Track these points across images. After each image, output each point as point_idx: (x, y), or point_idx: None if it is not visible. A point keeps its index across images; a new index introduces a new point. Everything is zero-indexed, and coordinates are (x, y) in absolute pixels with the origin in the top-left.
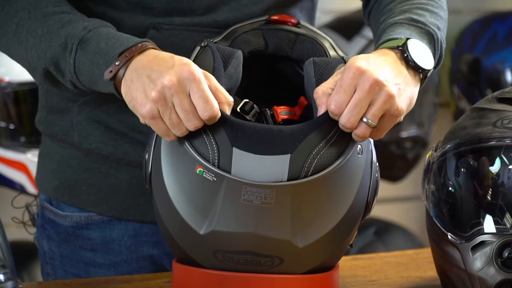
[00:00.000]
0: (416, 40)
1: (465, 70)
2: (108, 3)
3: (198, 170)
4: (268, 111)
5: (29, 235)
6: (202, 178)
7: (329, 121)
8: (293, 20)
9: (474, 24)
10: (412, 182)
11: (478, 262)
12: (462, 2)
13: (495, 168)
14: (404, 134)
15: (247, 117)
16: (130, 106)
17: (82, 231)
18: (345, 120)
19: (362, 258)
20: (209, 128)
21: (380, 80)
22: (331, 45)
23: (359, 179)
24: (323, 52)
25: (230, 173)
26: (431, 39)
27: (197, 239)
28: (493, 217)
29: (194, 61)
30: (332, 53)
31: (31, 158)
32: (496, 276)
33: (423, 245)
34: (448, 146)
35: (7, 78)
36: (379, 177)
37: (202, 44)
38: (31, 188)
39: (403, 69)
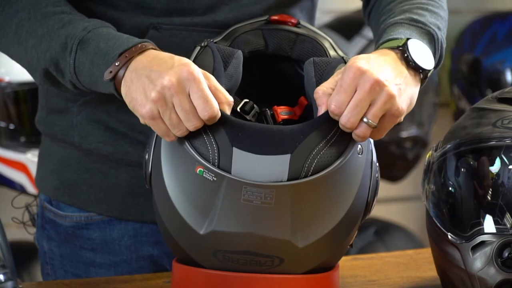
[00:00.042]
0: (416, 40)
1: (465, 70)
2: (108, 3)
3: (198, 170)
4: (268, 111)
5: (29, 235)
6: (202, 178)
7: (329, 121)
8: (293, 20)
9: (474, 24)
10: (412, 182)
11: (478, 262)
12: (462, 2)
13: (495, 168)
14: (404, 134)
15: (247, 117)
16: (130, 106)
17: (82, 231)
18: (345, 120)
19: (362, 258)
20: (209, 128)
21: (380, 80)
22: (331, 45)
23: (359, 179)
24: (323, 52)
25: (230, 173)
26: (431, 39)
27: (197, 239)
28: (493, 217)
29: (194, 61)
30: (332, 53)
31: (31, 158)
32: (496, 276)
33: (423, 245)
34: (448, 146)
35: (7, 78)
36: (379, 177)
37: (202, 44)
38: (31, 188)
39: (403, 69)
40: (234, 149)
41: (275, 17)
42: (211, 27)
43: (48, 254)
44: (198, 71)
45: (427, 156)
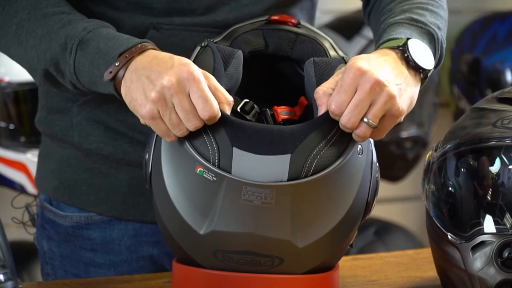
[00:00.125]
0: (416, 40)
1: (465, 70)
2: (108, 3)
3: (198, 170)
4: (268, 111)
5: (29, 235)
6: (202, 178)
7: (330, 121)
8: (293, 20)
9: (474, 24)
10: (412, 182)
11: (478, 262)
12: (462, 2)
13: (495, 168)
14: (404, 134)
15: (247, 117)
16: (130, 106)
17: (82, 231)
18: (345, 120)
19: (362, 258)
20: (209, 128)
21: (381, 80)
22: (331, 45)
23: (359, 179)
24: (323, 52)
25: (230, 173)
26: (431, 39)
27: (197, 239)
28: (493, 217)
29: (194, 61)
30: (332, 53)
31: (31, 158)
32: (496, 276)
33: (423, 245)
34: (448, 146)
35: (7, 78)
36: (379, 177)
37: (202, 44)
38: (31, 188)
39: (403, 69)
40: (234, 149)
41: (275, 17)
42: (211, 27)
43: (48, 254)
44: (198, 71)
45: (427, 156)
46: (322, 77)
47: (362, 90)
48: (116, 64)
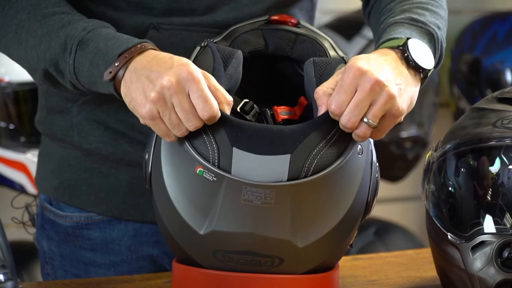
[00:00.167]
0: (416, 40)
1: (465, 70)
2: (108, 3)
3: (198, 170)
4: (268, 111)
5: (29, 235)
6: (202, 178)
7: (329, 121)
8: (293, 20)
9: (474, 24)
10: (412, 182)
11: (478, 262)
12: (462, 2)
13: (495, 168)
14: (404, 134)
15: (247, 117)
16: (130, 107)
17: (82, 231)
18: (345, 120)
19: (362, 258)
20: (209, 128)
21: (381, 80)
22: (331, 45)
23: (359, 179)
24: (323, 52)
25: (230, 173)
26: (431, 39)
27: (197, 239)
28: (493, 217)
29: (194, 61)
30: (332, 53)
31: (31, 158)
32: (496, 276)
33: (423, 245)
34: (448, 146)
35: (7, 78)
36: (379, 177)
37: (202, 44)
38: (31, 188)
39: (403, 69)
40: (234, 149)
41: (275, 17)
42: (211, 27)
43: (48, 254)
44: (197, 71)
45: (427, 156)
46: (322, 77)
47: (362, 90)
48: (116, 64)
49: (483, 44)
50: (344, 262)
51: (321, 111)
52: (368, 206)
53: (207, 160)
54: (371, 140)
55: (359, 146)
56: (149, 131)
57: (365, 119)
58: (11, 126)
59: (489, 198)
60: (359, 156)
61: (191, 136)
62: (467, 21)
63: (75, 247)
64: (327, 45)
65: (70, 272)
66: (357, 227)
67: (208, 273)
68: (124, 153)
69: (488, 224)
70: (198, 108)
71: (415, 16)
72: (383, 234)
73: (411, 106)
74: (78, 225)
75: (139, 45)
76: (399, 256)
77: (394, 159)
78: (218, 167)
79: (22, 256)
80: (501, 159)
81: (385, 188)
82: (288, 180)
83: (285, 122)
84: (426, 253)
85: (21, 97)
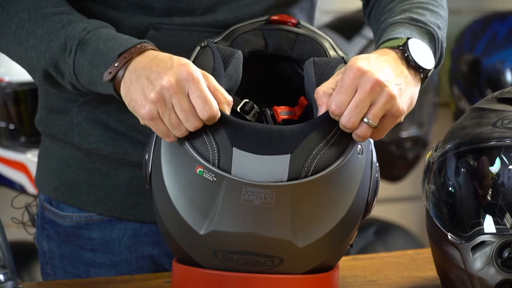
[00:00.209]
0: (416, 40)
1: (465, 70)
2: (108, 3)
3: (198, 170)
4: (268, 111)
5: (29, 235)
6: (202, 178)
7: (329, 121)
8: (293, 20)
9: (474, 24)
10: (412, 182)
11: (478, 262)
12: (462, 2)
13: (495, 168)
14: (404, 134)
15: (247, 117)
16: (129, 107)
17: (82, 231)
18: (345, 121)
19: (362, 258)
20: (209, 128)
21: (381, 80)
22: (331, 45)
23: (359, 179)
24: (323, 52)
25: (230, 173)
26: (431, 39)
27: (197, 239)
28: (493, 217)
29: (194, 61)
30: (332, 53)
31: (31, 158)
32: (496, 276)
33: (423, 245)
34: (448, 146)
35: (7, 78)
36: (379, 177)
37: (202, 44)
38: (31, 188)
39: (403, 69)
40: (234, 149)
41: (275, 17)
42: (211, 27)
43: (48, 254)
44: (197, 71)
45: (427, 156)
46: (322, 77)
47: (362, 90)
48: (116, 65)
49: (483, 44)
50: (344, 262)
51: (321, 111)
52: (368, 206)
53: (207, 160)
54: (371, 140)
55: (359, 146)
56: (149, 131)
57: (365, 119)
58: (11, 126)
59: (489, 198)
60: (359, 156)
61: (191, 136)
62: (467, 21)
63: (75, 247)
64: (327, 45)
65: (70, 272)
66: (357, 227)
67: (208, 273)
68: (124, 153)
69: (488, 224)
70: (197, 108)
71: (415, 16)
72: (383, 234)
73: (411, 106)
74: (78, 225)
75: (138, 46)
76: (399, 256)
77: (394, 159)
78: (218, 167)
79: (22, 256)
80: (501, 159)
81: (385, 188)
82: (288, 180)
83: (285, 122)
84: (426, 253)
85: (21, 97)
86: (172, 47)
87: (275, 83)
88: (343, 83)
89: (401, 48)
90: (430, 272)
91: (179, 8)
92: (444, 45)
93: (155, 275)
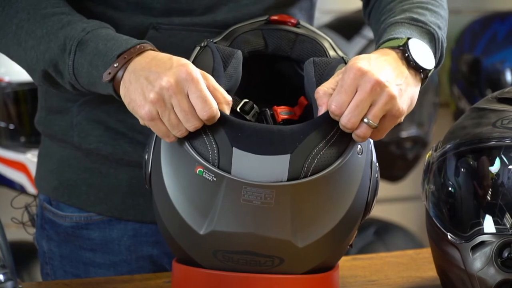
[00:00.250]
0: (417, 40)
1: (465, 70)
2: (108, 3)
3: (198, 170)
4: (268, 111)
5: (28, 235)
6: (202, 178)
7: (329, 121)
8: (292, 20)
9: (474, 24)
10: (412, 182)
11: (478, 262)
12: (462, 2)
13: (495, 168)
14: (404, 134)
15: (247, 117)
16: (129, 108)
17: (81, 231)
18: (345, 121)
19: (362, 258)
20: (209, 128)
21: (381, 81)
22: (330, 45)
23: (359, 179)
24: (323, 52)
25: (230, 173)
26: (432, 39)
27: (197, 239)
28: (493, 217)
29: (193, 61)
30: (332, 53)
31: (31, 158)
32: (496, 276)
33: (423, 245)
34: (448, 146)
35: (7, 78)
36: (379, 177)
37: (202, 44)
38: (31, 188)
39: (404, 69)
40: (234, 149)
41: (275, 17)
42: (210, 27)
43: (48, 254)
44: (196, 72)
45: (427, 156)
46: (322, 77)
47: (363, 91)
48: (115, 65)
49: (483, 44)
50: (344, 262)
51: (321, 111)
52: (368, 206)
53: (207, 160)
54: (371, 140)
55: (359, 146)
56: (149, 131)
57: (365, 120)
58: (11, 126)
59: (489, 198)
60: (359, 156)
61: (190, 137)
62: (467, 21)
63: (75, 247)
64: (326, 45)
65: (70, 272)
66: (357, 227)
67: (208, 273)
68: (124, 153)
69: (488, 224)
70: (197, 109)
71: (415, 16)
72: (383, 234)
73: (411, 106)
74: (77, 225)
75: (138, 46)
76: (399, 256)
77: (394, 159)
78: (218, 167)
79: (22, 256)
80: (501, 159)
81: (385, 188)
82: (288, 180)
83: (285, 122)
84: (426, 253)
85: (21, 97)
86: (171, 47)
87: (275, 83)
88: (343, 83)
89: (401, 48)
90: (430, 272)
91: (179, 8)
92: (445, 45)
93: (155, 275)
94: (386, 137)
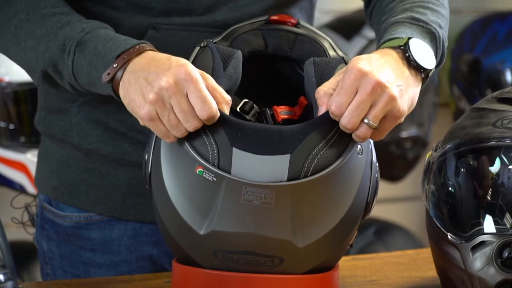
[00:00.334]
0: (417, 40)
1: (465, 70)
2: (107, 4)
3: (198, 170)
4: (268, 111)
5: (28, 235)
6: (202, 178)
7: (329, 121)
8: (292, 20)
9: (474, 24)
10: (412, 182)
11: (478, 262)
12: (462, 2)
13: (495, 168)
14: (404, 134)
15: (247, 117)
16: (128, 108)
17: (81, 231)
18: (346, 121)
19: (362, 258)
20: (209, 128)
21: (382, 82)
22: (330, 45)
23: (359, 179)
24: (323, 52)
25: (230, 173)
26: (432, 38)
27: (197, 239)
28: (493, 217)
29: (193, 61)
30: (331, 53)
31: (31, 158)
32: (496, 276)
33: (423, 245)
34: (448, 146)
35: (7, 78)
36: (379, 177)
37: (202, 44)
38: (30, 188)
39: (404, 69)
40: (234, 149)
41: (275, 17)
42: (210, 27)
43: (48, 254)
44: (195, 72)
45: (427, 156)
46: (322, 77)
47: (363, 92)
48: (114, 66)
49: (483, 44)
50: (344, 262)
51: (321, 111)
52: (368, 206)
53: (207, 160)
54: (371, 140)
55: (359, 146)
56: (149, 131)
57: (365, 120)
58: (11, 126)
59: (489, 198)
60: (359, 156)
61: (190, 137)
62: (467, 21)
63: (75, 247)
64: (326, 45)
65: (70, 272)
66: (357, 227)
67: (208, 273)
68: (124, 153)
69: (488, 224)
70: (196, 109)
71: (416, 15)
72: (383, 234)
73: (412, 106)
74: (77, 225)
75: (137, 46)
76: (399, 256)
77: (394, 159)
78: (218, 167)
79: (22, 256)
80: (501, 159)
81: (385, 188)
82: (288, 180)
83: (285, 122)
84: (426, 253)
85: (21, 97)
86: (171, 47)
87: (275, 83)
88: (344, 84)
89: (402, 48)
90: (430, 272)
91: (178, 8)
92: (446, 44)
93: (155, 275)
94: (386, 137)
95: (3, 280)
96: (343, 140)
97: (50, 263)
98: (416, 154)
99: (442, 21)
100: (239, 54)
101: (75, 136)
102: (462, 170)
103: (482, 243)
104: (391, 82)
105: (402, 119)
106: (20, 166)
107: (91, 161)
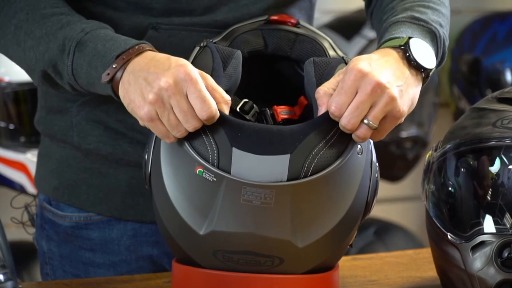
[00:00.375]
0: (418, 39)
1: (465, 70)
2: (107, 4)
3: (197, 171)
4: (268, 110)
5: (28, 235)
6: (202, 178)
7: (329, 121)
8: (292, 20)
9: (474, 24)
10: (412, 182)
11: (478, 262)
12: (462, 2)
13: (495, 168)
14: (404, 134)
15: (247, 117)
16: (128, 108)
17: (81, 231)
18: (345, 122)
19: (362, 258)
20: (209, 128)
21: (382, 82)
22: (330, 45)
23: (359, 179)
24: (323, 52)
25: (229, 173)
26: (433, 37)
27: (197, 239)
28: (493, 217)
29: (193, 61)
30: (331, 53)
31: (30, 158)
32: (496, 276)
33: (423, 245)
34: (448, 146)
35: (7, 78)
36: (379, 177)
37: (202, 44)
38: (30, 188)
39: (405, 69)
40: (234, 149)
41: (275, 17)
42: (210, 27)
43: (48, 254)
44: (194, 72)
45: (427, 156)
46: (322, 77)
47: (363, 92)
48: (114, 66)
49: (483, 44)
50: (344, 262)
51: (321, 111)
52: (368, 206)
53: (207, 161)
54: (371, 140)
55: (359, 146)
56: (149, 131)
57: (365, 121)
58: (11, 126)
59: (489, 198)
60: (359, 156)
61: (190, 137)
62: (467, 21)
63: (75, 247)
64: (326, 45)
65: (70, 272)
66: (357, 227)
67: (208, 273)
68: (124, 153)
69: (488, 224)
70: (196, 109)
71: (416, 15)
72: (383, 234)
73: (412, 107)
74: (77, 225)
75: (136, 47)
76: (399, 256)
77: (394, 159)
78: (218, 167)
79: (22, 256)
80: (501, 159)
81: (385, 188)
82: (288, 180)
83: (285, 122)
84: (426, 253)
85: (21, 97)
86: (171, 47)
87: (275, 83)
88: (344, 85)
89: (402, 47)
90: (430, 272)
91: (178, 8)
92: (447, 43)
93: (155, 275)
94: (386, 137)
95: (3, 280)
96: (343, 140)
97: (50, 263)
98: (416, 154)
99: (442, 20)
100: (238, 54)
101: (75, 136)
102: (462, 170)
103: (482, 243)
104: (391, 83)
105: (402, 120)
106: (20, 166)
107: (91, 161)
